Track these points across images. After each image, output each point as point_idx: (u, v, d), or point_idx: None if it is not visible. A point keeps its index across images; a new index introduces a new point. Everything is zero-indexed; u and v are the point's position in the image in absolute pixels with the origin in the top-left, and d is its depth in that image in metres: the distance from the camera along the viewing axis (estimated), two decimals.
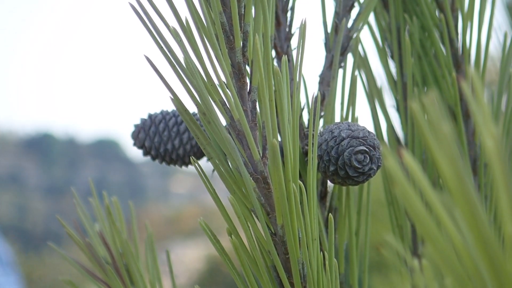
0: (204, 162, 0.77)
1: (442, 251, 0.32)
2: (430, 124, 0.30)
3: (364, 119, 1.00)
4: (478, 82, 0.32)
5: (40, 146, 34.78)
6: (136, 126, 0.85)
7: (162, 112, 0.85)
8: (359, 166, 0.70)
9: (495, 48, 1.17)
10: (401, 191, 0.32)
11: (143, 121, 0.85)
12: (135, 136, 0.85)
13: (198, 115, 0.67)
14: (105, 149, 36.31)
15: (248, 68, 0.66)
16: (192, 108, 0.67)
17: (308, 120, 0.78)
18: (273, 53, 0.79)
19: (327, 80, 0.80)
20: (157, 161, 0.85)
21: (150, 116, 0.85)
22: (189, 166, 0.85)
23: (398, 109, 0.92)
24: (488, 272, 0.30)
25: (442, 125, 0.29)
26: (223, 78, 0.65)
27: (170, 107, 0.86)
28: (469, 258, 0.31)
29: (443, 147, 0.29)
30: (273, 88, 0.64)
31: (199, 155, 0.83)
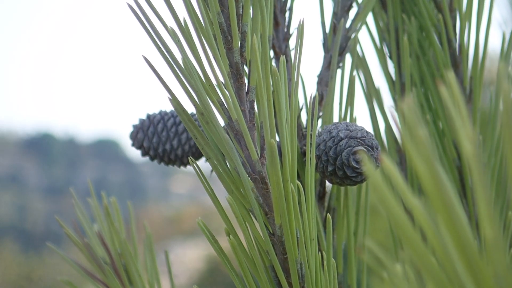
0: (202, 163, 0.77)
1: (422, 256, 0.32)
2: (407, 128, 0.30)
3: (363, 119, 1.00)
4: (455, 86, 0.32)
5: (40, 146, 34.78)
6: (134, 126, 0.85)
7: (160, 113, 0.85)
8: (357, 166, 0.70)
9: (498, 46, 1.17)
10: (379, 196, 0.32)
11: (142, 121, 0.85)
12: (134, 136, 0.85)
13: (196, 115, 0.67)
14: (105, 149, 36.32)
15: (246, 68, 0.66)
16: (190, 108, 0.67)
17: (306, 120, 0.78)
18: (272, 53, 0.79)
19: (325, 80, 0.80)
20: (155, 161, 0.85)
21: (148, 116, 0.85)
22: (188, 166, 0.85)
23: (396, 109, 0.92)
24: (467, 275, 0.30)
25: (419, 129, 0.29)
26: (221, 79, 0.65)
27: (169, 107, 0.86)
28: (448, 261, 0.31)
29: (420, 151, 0.29)
30: (271, 88, 0.64)
31: (198, 155, 0.83)
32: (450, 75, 0.28)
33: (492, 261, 0.28)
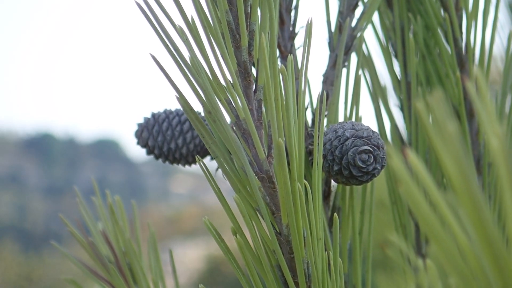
0: (207, 161, 0.77)
1: (447, 251, 0.32)
2: (435, 124, 0.30)
3: (368, 119, 1.00)
4: (483, 82, 0.32)
5: (40, 146, 34.78)
6: (139, 125, 0.85)
7: (165, 111, 0.85)
8: (363, 166, 0.70)
9: (497, 49, 1.17)
10: (406, 190, 0.32)
11: (147, 120, 0.85)
12: (139, 135, 0.84)
13: (203, 113, 0.67)
14: (105, 149, 36.33)
15: (253, 67, 0.66)
16: (197, 107, 0.67)
17: (312, 120, 0.78)
18: (277, 52, 0.79)
19: (331, 79, 0.80)
20: (159, 160, 0.85)
21: (153, 115, 0.85)
22: (191, 166, 0.85)
23: (402, 109, 0.92)
24: (492, 271, 0.30)
25: (447, 124, 0.29)
26: (229, 77, 0.64)
27: (172, 106, 0.86)
28: (473, 257, 0.31)
29: (448, 147, 0.29)
30: (279, 87, 0.63)
31: (202, 154, 0.83)
32: (477, 71, 0.27)
33: None
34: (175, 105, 0.85)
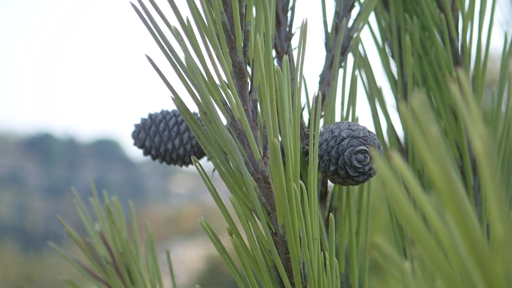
0: (204, 162, 0.77)
1: (432, 253, 0.32)
2: (418, 126, 0.30)
3: (365, 119, 1.00)
4: (466, 84, 0.32)
5: (40, 146, 34.78)
6: (136, 125, 0.85)
7: (162, 112, 0.85)
8: (359, 166, 0.70)
9: (499, 46, 1.17)
10: (391, 193, 0.32)
11: (144, 120, 0.85)
12: (136, 135, 0.84)
13: (199, 114, 0.67)
14: (105, 149, 36.32)
15: (249, 68, 0.66)
16: (193, 107, 0.67)
17: (309, 120, 0.78)
18: (274, 52, 0.79)
19: (327, 79, 0.80)
20: (157, 160, 0.85)
21: (150, 115, 0.85)
22: (189, 166, 0.85)
23: (398, 109, 0.92)
24: (478, 273, 0.30)
25: (430, 127, 0.29)
26: (224, 78, 0.64)
27: (170, 106, 0.86)
28: (459, 259, 0.31)
29: (432, 149, 0.29)
30: (274, 87, 0.64)
31: (199, 154, 0.83)
32: (461, 73, 0.27)
33: (503, 259, 0.27)
34: (173, 106, 0.85)
